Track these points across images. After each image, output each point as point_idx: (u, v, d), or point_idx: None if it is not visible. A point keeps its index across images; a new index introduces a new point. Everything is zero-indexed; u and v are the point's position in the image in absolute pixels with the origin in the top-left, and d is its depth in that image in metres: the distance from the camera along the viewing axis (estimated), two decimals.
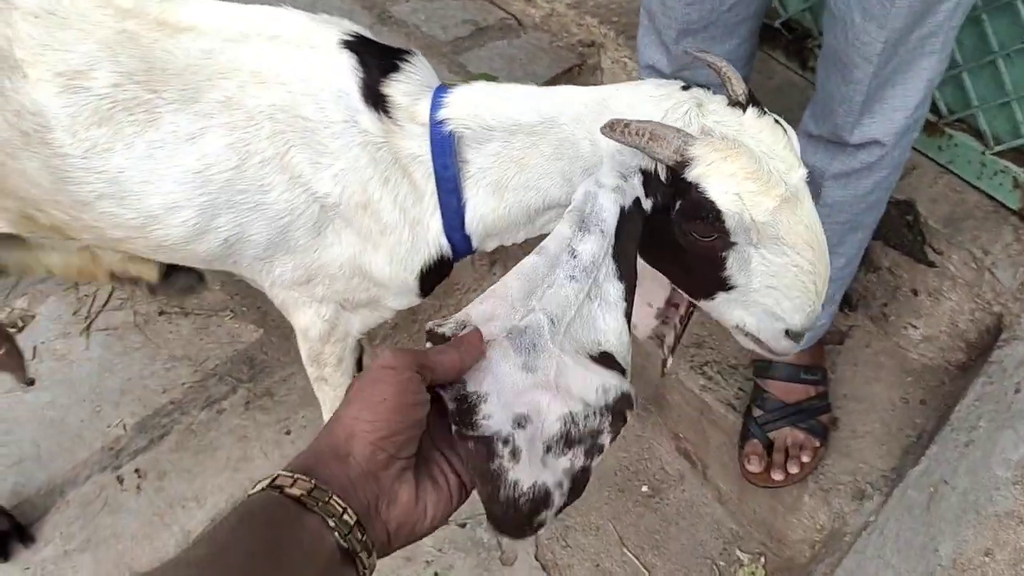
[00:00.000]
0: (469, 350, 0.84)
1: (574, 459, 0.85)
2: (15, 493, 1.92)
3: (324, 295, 1.39)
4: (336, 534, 0.72)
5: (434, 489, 0.82)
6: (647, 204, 0.98)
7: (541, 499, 0.83)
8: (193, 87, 1.19)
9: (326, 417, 1.71)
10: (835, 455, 1.88)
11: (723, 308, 1.08)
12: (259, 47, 1.21)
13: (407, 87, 1.20)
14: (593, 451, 0.85)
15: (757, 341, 1.11)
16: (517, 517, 0.82)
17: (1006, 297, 1.81)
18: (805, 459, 1.83)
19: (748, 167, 0.95)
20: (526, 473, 0.83)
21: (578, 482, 0.85)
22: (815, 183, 1.58)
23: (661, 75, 1.67)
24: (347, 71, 1.20)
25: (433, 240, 1.28)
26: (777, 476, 1.82)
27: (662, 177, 0.98)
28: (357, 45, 1.22)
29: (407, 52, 1.25)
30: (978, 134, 1.91)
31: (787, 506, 1.87)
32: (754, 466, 1.84)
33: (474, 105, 1.17)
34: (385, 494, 0.77)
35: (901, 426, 1.91)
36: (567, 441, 0.85)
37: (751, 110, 1.01)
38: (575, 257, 0.90)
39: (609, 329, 0.91)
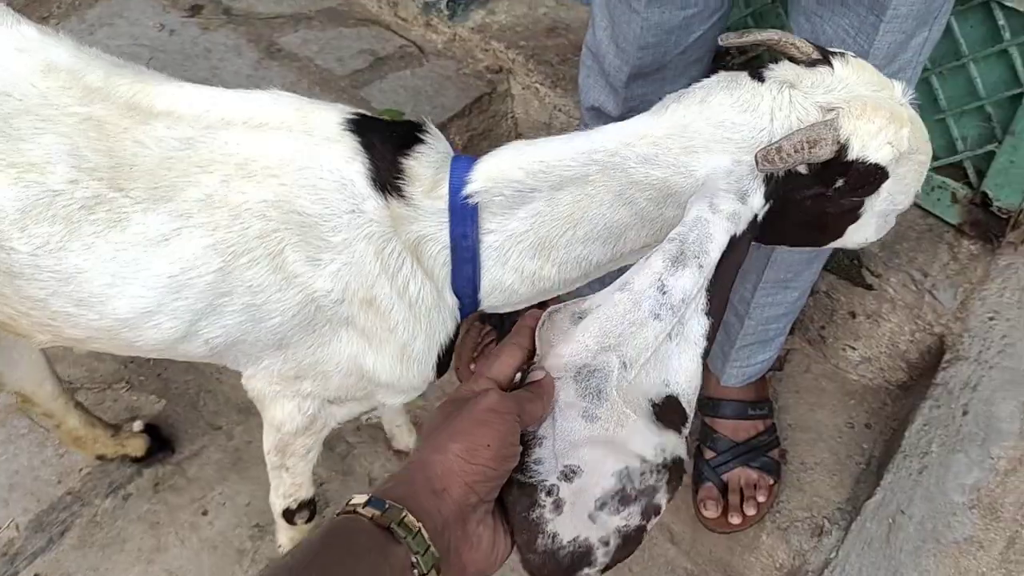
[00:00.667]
0: (548, 399, 0.86)
1: (629, 519, 0.85)
2: None
3: (312, 391, 1.25)
4: (416, 571, 0.72)
5: (504, 531, 0.84)
6: (763, 212, 0.94)
7: (582, 555, 0.84)
8: (167, 184, 1.06)
9: (275, 502, 1.55)
10: (789, 490, 1.84)
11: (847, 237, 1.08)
12: (246, 135, 1.08)
13: (429, 159, 1.10)
14: (650, 511, 0.86)
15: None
16: (554, 570, 0.84)
17: (947, 318, 1.79)
18: (761, 499, 1.78)
19: (882, 115, 0.94)
20: (568, 526, 0.84)
21: (630, 541, 0.86)
22: None
23: (608, 117, 1.57)
24: (350, 155, 1.07)
25: (450, 315, 1.17)
26: (735, 520, 1.77)
27: (803, 171, 0.93)
28: (360, 126, 1.10)
29: (419, 124, 1.14)
30: None
31: (744, 545, 1.81)
32: (711, 511, 1.78)
33: (504, 170, 1.05)
34: (468, 538, 0.79)
35: (850, 453, 1.88)
36: (622, 499, 0.85)
37: (836, 61, 0.98)
38: (664, 293, 0.86)
39: (681, 369, 0.90)
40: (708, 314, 0.88)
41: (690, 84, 1.45)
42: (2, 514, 1.85)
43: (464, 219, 1.07)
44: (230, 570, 1.81)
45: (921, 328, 1.85)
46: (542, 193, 1.05)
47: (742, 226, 0.90)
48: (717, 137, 0.96)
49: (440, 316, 1.16)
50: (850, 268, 1.89)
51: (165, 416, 2.03)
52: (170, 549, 1.83)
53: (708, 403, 1.87)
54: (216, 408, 2.05)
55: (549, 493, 0.84)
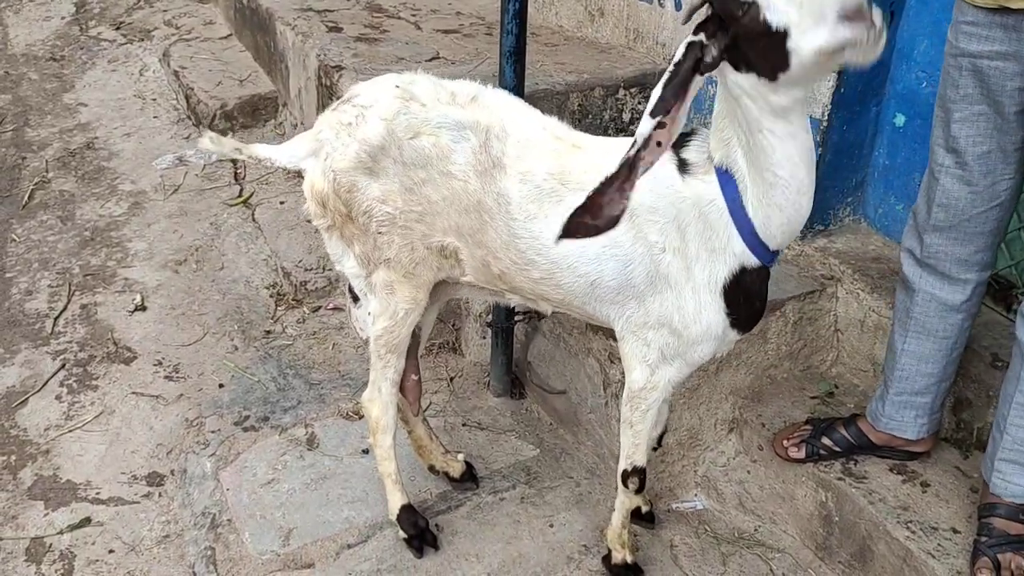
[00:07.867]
0: None
1: None
2: None
3: (653, 340, 1.95)
4: None
5: None
6: (712, 54, 1.57)
7: None
8: (584, 182, 1.82)
9: (619, 467, 2.19)
10: None
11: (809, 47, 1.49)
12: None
13: (697, 150, 1.81)
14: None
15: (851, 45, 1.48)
16: None
17: None
18: None
19: None
20: None
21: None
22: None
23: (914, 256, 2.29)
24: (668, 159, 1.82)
25: (734, 258, 1.82)
26: None
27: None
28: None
29: (694, 130, 1.85)
30: None
31: None
32: None
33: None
34: None
35: None
36: None
37: None
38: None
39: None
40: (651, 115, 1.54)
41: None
42: (421, 484, 2.68)
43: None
44: (560, 567, 2.46)
45: None
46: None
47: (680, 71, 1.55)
48: None
49: (723, 257, 1.81)
50: None
51: (536, 460, 2.82)
52: (523, 539, 2.53)
53: (985, 507, 2.23)
54: (573, 464, 2.80)
55: None
